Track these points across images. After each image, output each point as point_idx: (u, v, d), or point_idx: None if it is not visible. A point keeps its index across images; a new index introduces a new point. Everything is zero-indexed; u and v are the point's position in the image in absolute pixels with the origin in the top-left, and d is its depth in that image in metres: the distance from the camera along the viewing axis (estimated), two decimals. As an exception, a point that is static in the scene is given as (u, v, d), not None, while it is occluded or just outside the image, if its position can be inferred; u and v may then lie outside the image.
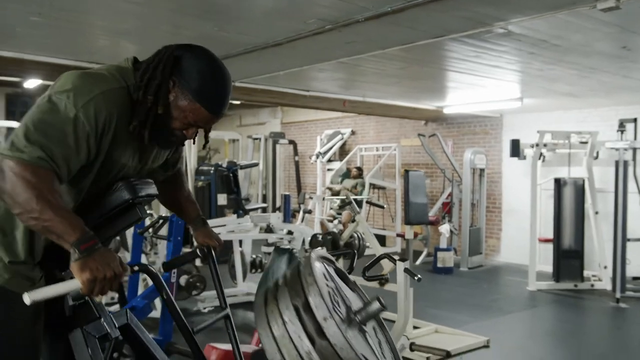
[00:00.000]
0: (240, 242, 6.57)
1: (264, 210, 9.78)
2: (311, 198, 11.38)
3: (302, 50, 4.79)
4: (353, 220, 5.64)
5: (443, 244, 8.38)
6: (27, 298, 1.43)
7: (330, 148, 11.48)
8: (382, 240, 9.70)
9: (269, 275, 3.09)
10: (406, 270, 3.31)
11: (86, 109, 1.54)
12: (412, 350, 3.92)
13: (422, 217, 4.95)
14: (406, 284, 3.37)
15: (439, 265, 8.16)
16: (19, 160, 1.45)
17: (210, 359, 2.69)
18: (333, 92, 7.30)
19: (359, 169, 10.35)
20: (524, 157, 7.79)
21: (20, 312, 1.72)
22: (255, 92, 7.01)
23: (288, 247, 3.01)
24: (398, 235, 9.39)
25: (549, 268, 7.55)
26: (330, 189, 10.36)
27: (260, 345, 3.02)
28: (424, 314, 5.65)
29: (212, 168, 8.90)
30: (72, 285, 1.50)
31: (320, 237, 5.66)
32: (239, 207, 8.03)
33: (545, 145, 7.22)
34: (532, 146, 7.31)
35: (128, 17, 4.04)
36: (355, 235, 5.71)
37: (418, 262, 8.96)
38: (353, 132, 11.69)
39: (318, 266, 1.64)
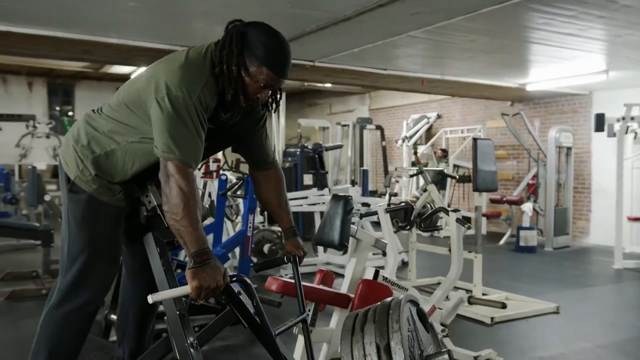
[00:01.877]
0: (322, 214, 6.94)
1: (350, 191, 10.10)
2: (397, 181, 11.58)
3: (372, 25, 5.04)
4: (425, 190, 5.80)
5: (526, 223, 8.29)
6: (151, 299, 1.79)
7: (416, 132, 11.61)
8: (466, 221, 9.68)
9: (327, 221, 3.38)
10: (457, 220, 3.49)
11: (200, 99, 1.93)
12: (470, 303, 4.07)
13: (490, 185, 5.02)
14: (459, 233, 3.55)
15: (521, 244, 8.10)
16: (175, 162, 1.86)
17: (271, 288, 3.04)
18: (411, 71, 7.46)
19: (444, 151, 10.42)
20: (614, 134, 7.52)
21: (105, 216, 2.17)
22: (335, 72, 7.32)
23: (344, 194, 3.30)
24: (482, 215, 9.35)
25: (640, 249, 7.30)
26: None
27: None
28: (499, 285, 5.75)
29: (299, 150, 9.34)
30: (184, 290, 1.86)
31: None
32: (322, 182, 8.45)
33: (632, 118, 6.97)
34: (618, 120, 7.08)
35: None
36: (428, 205, 5.88)
37: (501, 242, 8.92)
38: (439, 116, 11.73)
39: (405, 311, 1.88)
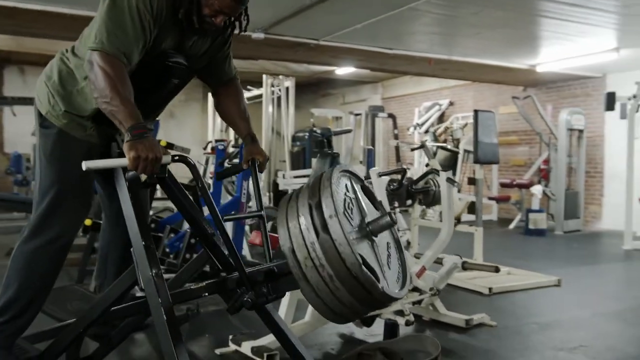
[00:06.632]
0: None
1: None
2: (408, 168, 11.53)
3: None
4: (427, 165, 5.75)
5: (535, 205, 8.18)
6: (84, 165, 1.81)
7: (428, 119, 11.57)
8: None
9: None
10: (448, 179, 3.45)
11: (144, 0, 1.91)
12: (464, 269, 4.03)
13: (491, 157, 4.96)
14: (449, 192, 3.51)
15: (531, 226, 7.98)
16: (101, 52, 1.85)
17: (255, 241, 3.04)
18: (417, 50, 7.38)
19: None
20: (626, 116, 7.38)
21: (75, 151, 2.14)
22: (341, 51, 7.29)
23: (330, 151, 3.28)
24: (490, 198, 9.27)
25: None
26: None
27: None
28: (503, 262, 5.61)
29: (307, 134, 9.33)
30: (121, 161, 1.86)
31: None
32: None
33: (644, 97, 6.82)
34: (629, 99, 6.94)
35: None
36: (431, 182, 5.83)
37: (511, 226, 8.82)
38: (451, 103, 11.65)
39: (339, 176, 1.88)
